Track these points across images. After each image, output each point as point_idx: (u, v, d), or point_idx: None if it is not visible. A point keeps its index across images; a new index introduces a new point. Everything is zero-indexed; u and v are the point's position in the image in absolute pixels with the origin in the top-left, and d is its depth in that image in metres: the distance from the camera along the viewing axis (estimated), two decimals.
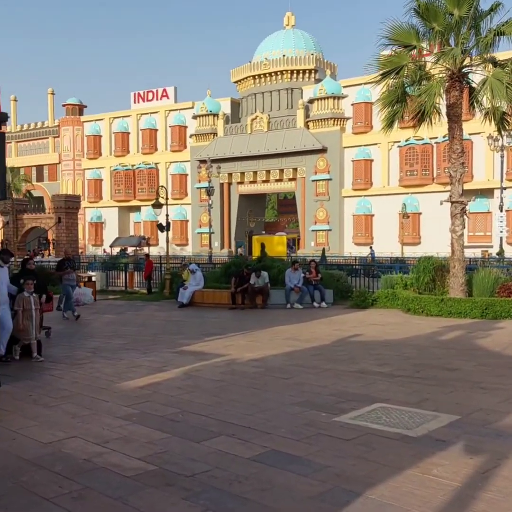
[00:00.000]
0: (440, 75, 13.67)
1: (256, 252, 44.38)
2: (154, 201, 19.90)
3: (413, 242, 46.04)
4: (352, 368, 7.77)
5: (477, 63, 13.73)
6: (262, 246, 18.36)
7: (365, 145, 49.59)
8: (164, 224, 19.92)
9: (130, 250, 43.96)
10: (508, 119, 14.00)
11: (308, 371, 7.58)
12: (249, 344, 9.68)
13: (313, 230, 51.29)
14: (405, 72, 13.30)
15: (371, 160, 49.84)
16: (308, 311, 15.13)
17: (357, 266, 20.98)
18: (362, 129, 49.70)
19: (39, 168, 68.82)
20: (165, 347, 9.54)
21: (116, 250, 47.41)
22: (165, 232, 20.06)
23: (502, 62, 13.21)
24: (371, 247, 44.81)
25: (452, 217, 13.86)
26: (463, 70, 13.69)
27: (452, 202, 13.80)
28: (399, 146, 47.68)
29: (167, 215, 20.01)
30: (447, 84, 13.67)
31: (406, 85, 14.15)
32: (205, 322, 12.94)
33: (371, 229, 49.98)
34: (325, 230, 50.97)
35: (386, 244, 46.24)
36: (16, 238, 41.95)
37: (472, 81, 14.27)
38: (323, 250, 36.23)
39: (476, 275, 14.23)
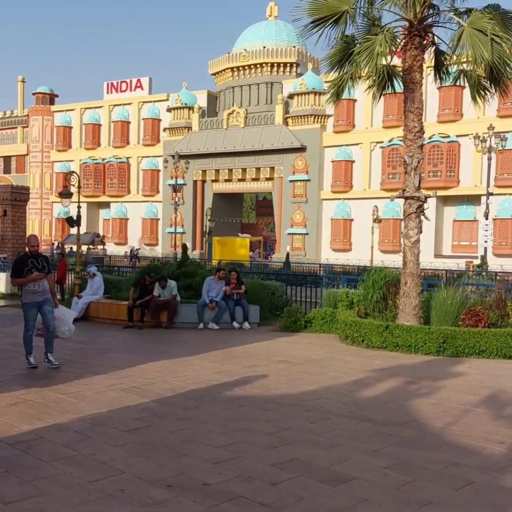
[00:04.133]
0: (394, 27, 10.27)
1: (216, 255, 41.01)
2: (63, 190, 16.39)
3: (393, 250, 42.68)
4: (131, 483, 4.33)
5: (445, 10, 10.29)
6: (184, 247, 14.88)
7: (346, 145, 46.32)
8: (75, 217, 16.45)
9: (84, 248, 40.41)
10: (486, 86, 10.59)
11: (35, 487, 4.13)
12: (56, 399, 6.23)
13: (289, 234, 47.92)
14: (347, 21, 9.90)
15: (352, 161, 46.56)
16: (219, 335, 11.70)
17: (296, 276, 17.49)
18: (344, 128, 46.42)
19: (7, 159, 65.13)
20: None
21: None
22: (75, 227, 16.62)
23: (479, 9, 9.79)
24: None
25: (405, 218, 10.45)
26: (425, 21, 10.32)
27: (406, 198, 10.38)
28: (381, 147, 44.43)
29: (78, 207, 16.55)
30: (403, 41, 10.31)
31: (356, 40, 10.75)
32: (56, 351, 9.37)
33: (350, 235, 46.68)
34: (301, 233, 47.63)
35: (365, 251, 42.88)
36: None
37: (439, 38, 10.86)
38: (287, 254, 32.79)
39: (437, 295, 10.82)
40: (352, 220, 46.60)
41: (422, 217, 10.39)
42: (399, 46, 10.40)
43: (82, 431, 5.20)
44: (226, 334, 11.78)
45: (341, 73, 11.23)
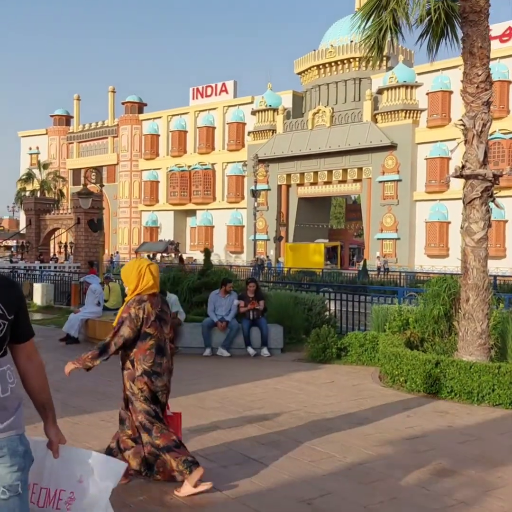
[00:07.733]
0: None
1: (288, 262, 38.19)
2: (82, 188, 14.41)
3: (496, 255, 38.00)
4: None
5: None
6: (206, 252, 12.28)
7: (441, 141, 42.12)
8: (95, 220, 14.38)
9: (158, 256, 39.08)
10: None
11: None
12: None
13: (378, 239, 44.33)
14: None
15: (449, 159, 42.23)
16: (221, 365, 8.97)
17: (344, 287, 14.30)
18: (439, 122, 42.36)
19: (99, 169, 65.81)
20: None
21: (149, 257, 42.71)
22: (98, 231, 14.58)
23: None
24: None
25: (466, 206, 7.29)
26: None
27: (466, 177, 7.23)
28: None
29: (100, 209, 14.49)
30: None
31: None
32: None
33: (447, 239, 42.39)
34: (392, 238, 43.94)
35: None
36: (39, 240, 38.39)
37: None
38: (364, 261, 29.33)
39: None
40: (449, 223, 42.36)
41: (491, 205, 7.20)
42: None
43: None
44: (231, 363, 9.06)
45: (379, 19, 8.38)
